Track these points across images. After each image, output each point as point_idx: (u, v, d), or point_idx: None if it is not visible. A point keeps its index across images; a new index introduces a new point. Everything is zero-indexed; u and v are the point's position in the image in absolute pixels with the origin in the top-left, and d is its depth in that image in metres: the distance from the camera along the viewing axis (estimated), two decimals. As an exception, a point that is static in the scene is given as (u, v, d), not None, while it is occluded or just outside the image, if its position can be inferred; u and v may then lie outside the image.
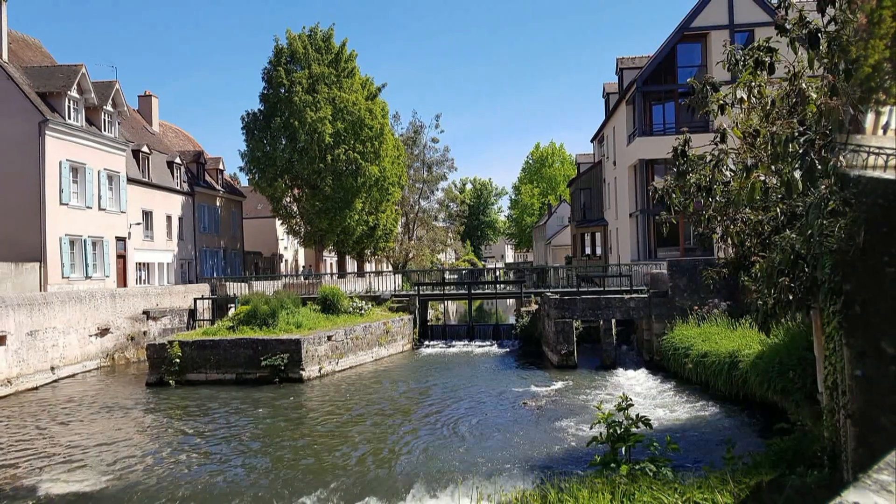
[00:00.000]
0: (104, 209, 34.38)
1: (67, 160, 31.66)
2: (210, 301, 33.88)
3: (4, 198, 29.87)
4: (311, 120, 41.17)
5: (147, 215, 39.46)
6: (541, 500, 7.67)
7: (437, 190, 64.51)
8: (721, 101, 7.39)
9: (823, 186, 5.27)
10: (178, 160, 43.70)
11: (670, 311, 24.21)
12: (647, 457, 7.43)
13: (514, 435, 15.88)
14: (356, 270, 49.16)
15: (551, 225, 71.87)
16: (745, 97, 6.97)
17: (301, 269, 62.59)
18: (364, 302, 31.35)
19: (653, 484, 7.22)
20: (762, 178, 5.94)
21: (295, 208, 45.55)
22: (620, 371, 23.96)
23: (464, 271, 53.00)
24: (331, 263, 58.84)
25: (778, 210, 7.29)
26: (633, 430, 7.50)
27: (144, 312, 31.03)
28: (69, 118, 32.11)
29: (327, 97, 42.52)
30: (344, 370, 25.73)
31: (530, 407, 18.71)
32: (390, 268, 56.46)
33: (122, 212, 35.97)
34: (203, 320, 32.57)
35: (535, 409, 18.43)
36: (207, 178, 48.67)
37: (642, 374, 23.25)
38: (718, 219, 8.65)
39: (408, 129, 59.92)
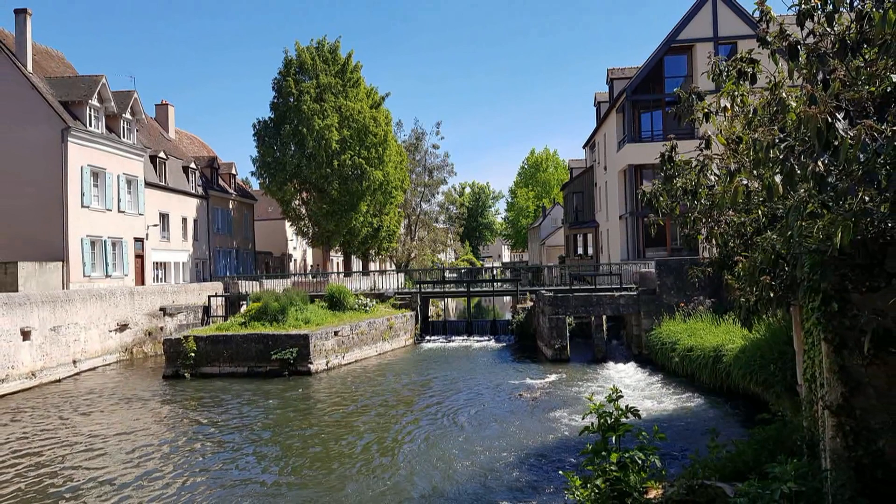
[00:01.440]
0: (123, 211, 34.38)
1: (88, 165, 31.65)
2: (223, 298, 33.86)
3: (29, 201, 29.89)
4: (318, 127, 41.14)
5: (164, 217, 39.45)
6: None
7: (438, 193, 64.68)
8: (706, 110, 7.38)
9: (802, 190, 5.26)
10: (193, 165, 43.69)
11: (658, 307, 24.20)
12: (635, 445, 7.42)
13: (510, 425, 15.87)
14: (361, 269, 49.13)
15: (545, 226, 71.79)
16: (728, 106, 6.97)
17: (309, 268, 62.56)
18: (369, 299, 31.34)
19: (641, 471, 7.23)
20: (745, 182, 5.94)
21: (303, 211, 45.54)
22: (611, 364, 23.94)
23: (463, 270, 52.96)
24: (337, 263, 58.81)
25: (759, 212, 7.28)
26: (623, 420, 7.49)
27: (161, 309, 31.01)
28: (90, 126, 32.09)
29: (334, 106, 42.50)
30: (350, 364, 25.71)
31: (526, 398, 18.70)
32: (393, 267, 56.48)
33: (140, 214, 35.96)
34: (217, 316, 32.55)
35: (531, 401, 18.41)
36: (221, 182, 48.67)
37: (631, 367, 23.23)
38: (703, 221, 8.64)
39: (410, 136, 60.01)
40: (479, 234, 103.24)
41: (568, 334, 25.50)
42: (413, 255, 59.54)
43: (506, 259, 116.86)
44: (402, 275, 41.17)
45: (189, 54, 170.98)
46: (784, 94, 5.86)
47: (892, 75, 4.94)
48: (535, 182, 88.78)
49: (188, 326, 31.06)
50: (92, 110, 32.30)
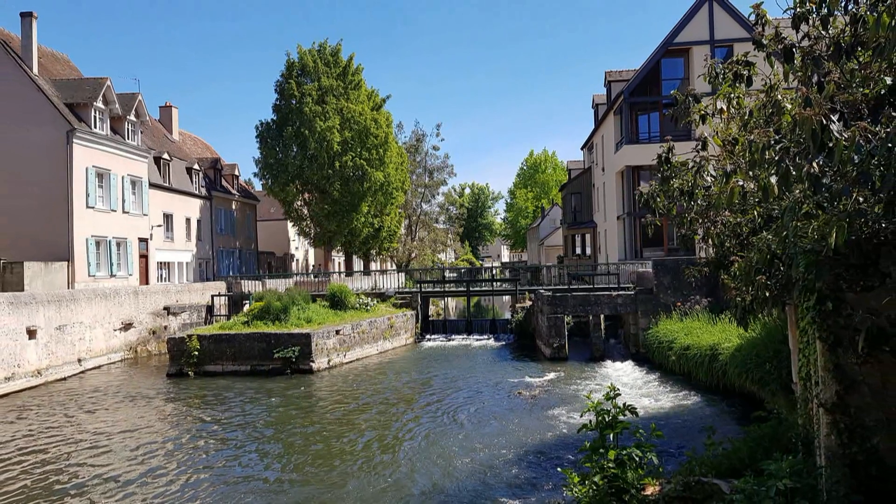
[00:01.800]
0: (127, 212, 34.37)
1: (93, 166, 31.65)
2: (226, 298, 33.86)
3: (35, 201, 29.88)
4: (320, 129, 41.13)
5: (168, 218, 39.44)
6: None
7: (438, 194, 64.59)
8: (702, 112, 7.38)
9: (798, 191, 5.27)
10: (196, 166, 43.67)
11: (655, 306, 24.19)
12: (633, 443, 7.43)
13: (509, 422, 15.87)
14: (362, 269, 49.12)
15: (544, 227, 71.74)
16: (724, 108, 6.97)
17: (311, 267, 62.53)
18: (370, 299, 31.33)
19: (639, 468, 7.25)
20: (741, 183, 5.93)
21: (305, 211, 45.51)
22: (608, 363, 23.94)
23: (463, 270, 52.93)
24: (339, 263, 58.80)
25: (755, 213, 7.28)
26: (621, 417, 7.49)
27: (165, 308, 31.01)
28: (95, 127, 32.08)
29: (335, 108, 42.49)
30: (351, 362, 25.70)
31: (525, 396, 18.70)
32: (394, 267, 56.44)
33: (144, 214, 35.95)
34: (220, 316, 32.55)
35: (529, 399, 18.41)
36: (224, 183, 48.66)
37: (629, 365, 23.24)
38: (700, 221, 8.64)
39: (410, 137, 59.92)
40: (479, 234, 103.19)
41: (566, 333, 25.50)
42: (413, 255, 59.52)
43: (505, 259, 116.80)
44: (403, 274, 41.12)
45: (192, 57, 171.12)
46: (779, 97, 5.86)
47: (885, 78, 4.94)
48: (533, 183, 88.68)
49: (192, 325, 31.06)
50: (97, 112, 32.29)
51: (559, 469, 9.17)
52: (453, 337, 31.68)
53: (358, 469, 12.84)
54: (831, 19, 5.37)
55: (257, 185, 54.07)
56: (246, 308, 30.45)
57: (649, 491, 7.15)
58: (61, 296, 24.67)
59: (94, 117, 32.11)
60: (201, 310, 33.01)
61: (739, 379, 15.53)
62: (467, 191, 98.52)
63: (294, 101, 42.61)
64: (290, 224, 52.08)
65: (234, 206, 48.85)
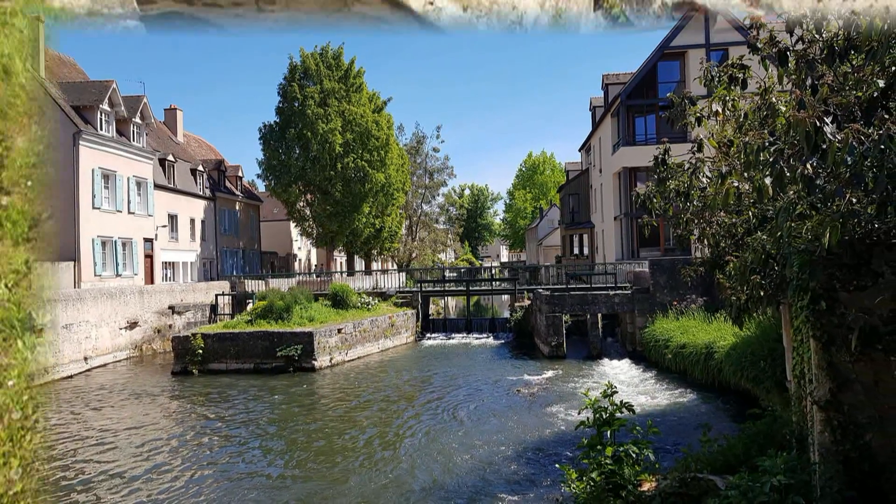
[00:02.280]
0: (133, 213, 34.36)
1: (99, 168, 31.63)
2: (230, 297, 33.85)
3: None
4: (322, 131, 41.13)
5: (172, 218, 39.42)
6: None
7: (438, 195, 64.58)
8: (698, 114, 7.38)
9: (792, 192, 5.27)
10: (200, 168, 43.66)
11: (651, 305, 24.19)
12: (630, 440, 7.43)
13: (508, 419, 15.86)
14: (364, 269, 49.07)
15: (543, 227, 71.70)
16: (720, 110, 6.97)
17: (313, 267, 62.50)
18: (371, 298, 31.31)
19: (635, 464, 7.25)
20: (735, 184, 5.93)
21: (308, 212, 45.50)
22: (606, 361, 23.93)
23: (462, 270, 52.89)
24: (340, 262, 58.78)
25: (750, 213, 7.28)
26: (618, 415, 7.50)
27: (170, 307, 31.00)
28: (101, 129, 32.07)
29: (337, 110, 42.48)
30: (353, 360, 25.70)
31: (523, 394, 18.69)
32: (395, 266, 56.45)
33: (149, 215, 35.93)
34: (224, 315, 32.54)
35: (528, 396, 18.41)
36: (228, 184, 48.64)
37: (626, 363, 23.23)
38: (696, 221, 8.64)
39: (411, 139, 59.89)
40: (479, 234, 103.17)
41: (564, 332, 25.48)
42: (414, 254, 59.53)
43: (504, 259, 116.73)
44: (404, 274, 41.10)
45: (197, 60, 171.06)
46: (774, 99, 5.86)
47: (878, 80, 4.94)
48: (532, 184, 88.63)
49: (196, 324, 31.04)
50: (103, 114, 32.28)
51: (557, 465, 9.18)
52: (453, 335, 31.67)
53: (359, 465, 12.84)
54: (825, 23, 5.37)
55: (261, 187, 54.07)
56: (249, 307, 30.43)
57: (646, 487, 7.16)
58: (68, 295, 24.67)
59: (100, 119, 32.11)
60: (205, 309, 33.00)
61: (734, 377, 15.54)
62: (467, 192, 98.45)
63: (297, 104, 42.61)
64: (292, 224, 52.07)
65: (237, 207, 48.85)
